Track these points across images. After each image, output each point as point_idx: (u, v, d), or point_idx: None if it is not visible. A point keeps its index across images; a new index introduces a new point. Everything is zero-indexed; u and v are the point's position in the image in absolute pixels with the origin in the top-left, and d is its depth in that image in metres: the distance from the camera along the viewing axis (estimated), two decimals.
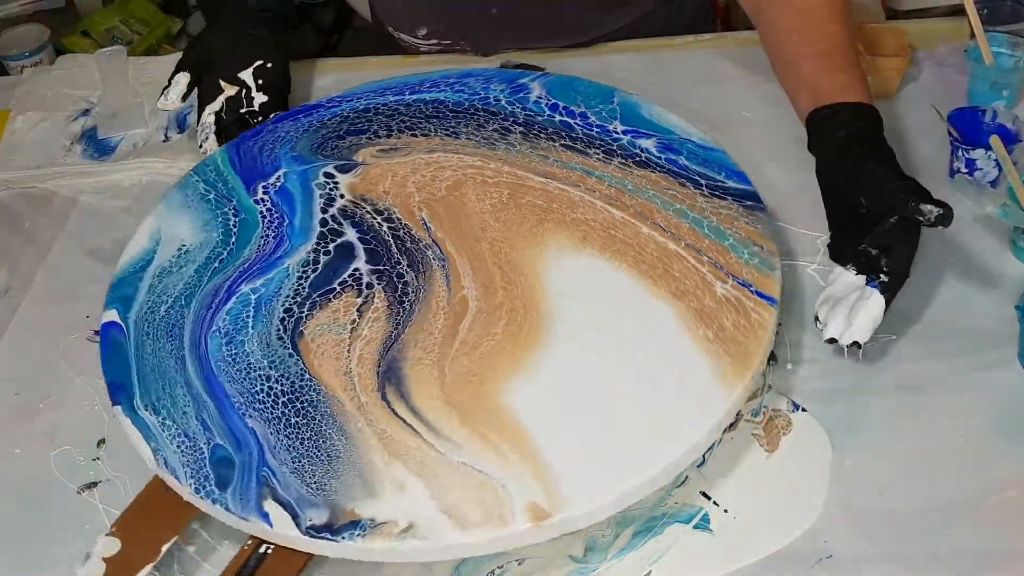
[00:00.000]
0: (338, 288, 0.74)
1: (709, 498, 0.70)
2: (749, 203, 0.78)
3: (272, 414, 0.66)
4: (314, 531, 0.60)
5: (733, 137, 0.89)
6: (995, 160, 0.87)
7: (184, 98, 0.91)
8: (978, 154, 0.88)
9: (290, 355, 0.70)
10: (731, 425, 0.74)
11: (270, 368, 0.69)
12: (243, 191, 0.83)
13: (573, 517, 0.60)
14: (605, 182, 0.80)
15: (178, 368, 0.70)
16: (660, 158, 0.83)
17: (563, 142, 0.85)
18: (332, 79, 0.98)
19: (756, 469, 0.71)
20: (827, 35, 0.82)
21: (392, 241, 0.77)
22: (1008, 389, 0.74)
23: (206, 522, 0.68)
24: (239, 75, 0.93)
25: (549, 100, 0.89)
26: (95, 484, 0.75)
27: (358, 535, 0.60)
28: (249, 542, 0.64)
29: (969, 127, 0.91)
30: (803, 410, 0.74)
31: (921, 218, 0.67)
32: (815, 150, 0.77)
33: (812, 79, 0.80)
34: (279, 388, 0.68)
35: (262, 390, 0.68)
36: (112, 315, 0.74)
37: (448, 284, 0.74)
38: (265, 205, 0.81)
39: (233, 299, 0.74)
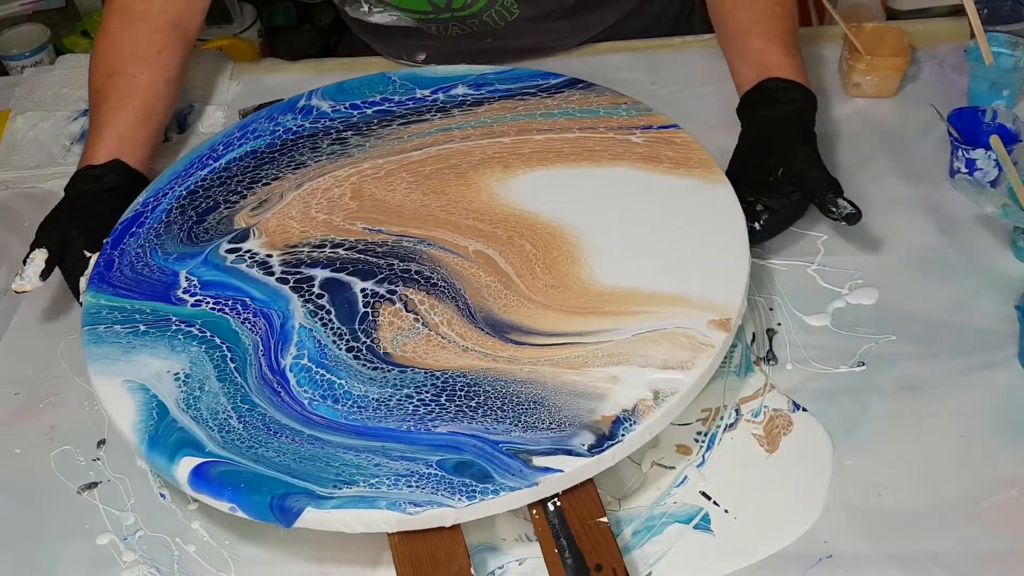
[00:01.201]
0: (369, 311, 0.74)
1: (709, 498, 0.70)
2: (580, 85, 0.92)
3: (449, 412, 0.66)
4: (597, 449, 0.62)
5: (733, 137, 0.89)
6: (995, 160, 0.87)
7: (43, 276, 0.83)
8: (978, 154, 0.88)
9: (401, 371, 0.69)
10: (731, 425, 0.74)
11: (397, 390, 0.68)
12: (169, 307, 0.77)
13: (740, 310, 0.70)
14: (467, 128, 0.89)
15: (322, 445, 0.65)
16: (483, 93, 0.93)
17: (398, 122, 0.91)
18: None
19: (756, 469, 0.71)
20: (776, 17, 0.90)
21: (363, 256, 0.79)
22: (1008, 389, 0.74)
23: None
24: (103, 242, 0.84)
25: (342, 105, 0.95)
26: (95, 484, 0.75)
27: (630, 425, 0.63)
28: (534, 513, 0.64)
29: (969, 127, 0.91)
30: (804, 410, 0.74)
31: (834, 210, 0.77)
32: (750, 113, 0.86)
33: (761, 56, 0.88)
34: (428, 396, 0.67)
35: (417, 406, 0.67)
36: (191, 462, 0.65)
37: (452, 252, 0.78)
38: (207, 304, 0.76)
39: (289, 374, 0.70)
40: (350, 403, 0.68)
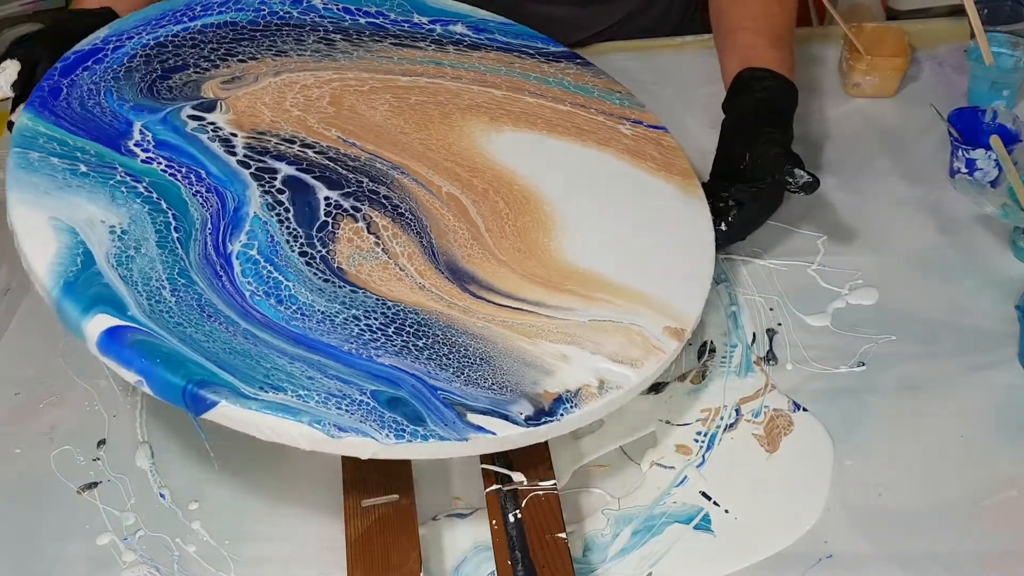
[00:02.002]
0: (329, 220, 0.71)
1: (709, 498, 0.70)
2: (579, 61, 0.91)
3: (394, 346, 0.63)
4: (533, 421, 0.61)
5: None
6: (995, 160, 0.87)
7: (15, 87, 0.81)
8: (978, 154, 0.88)
9: (353, 291, 0.66)
10: (731, 425, 0.74)
11: (347, 309, 0.65)
12: (117, 156, 0.72)
13: (694, 324, 0.70)
14: (460, 69, 0.87)
15: (254, 342, 0.62)
16: (482, 38, 0.91)
17: (390, 41, 0.88)
18: None
19: (757, 469, 0.71)
20: (769, 15, 0.90)
21: (332, 164, 0.75)
22: (1008, 389, 0.74)
23: None
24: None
25: (335, 6, 0.90)
26: (95, 484, 0.75)
27: (571, 407, 0.62)
28: (494, 523, 0.64)
29: (969, 127, 0.91)
30: (804, 410, 0.74)
31: (791, 180, 0.76)
32: (729, 105, 0.85)
33: (745, 49, 0.88)
34: (376, 323, 0.65)
35: (363, 331, 0.64)
36: (107, 320, 0.61)
37: (425, 188, 0.75)
38: (159, 164, 0.72)
39: (235, 261, 0.67)
40: (294, 308, 0.64)
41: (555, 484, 0.66)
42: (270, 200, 0.71)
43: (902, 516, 0.67)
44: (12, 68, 0.81)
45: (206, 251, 0.67)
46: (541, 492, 0.66)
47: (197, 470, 0.75)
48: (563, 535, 0.63)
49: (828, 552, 0.66)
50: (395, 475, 0.67)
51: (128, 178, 0.70)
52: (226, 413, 0.58)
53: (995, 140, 0.85)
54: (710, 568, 0.66)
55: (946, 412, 0.73)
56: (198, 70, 0.81)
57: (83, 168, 0.70)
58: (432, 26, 0.91)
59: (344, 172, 0.75)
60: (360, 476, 0.67)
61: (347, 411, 0.59)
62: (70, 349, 0.85)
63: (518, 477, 0.66)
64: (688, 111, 1.02)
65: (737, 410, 0.75)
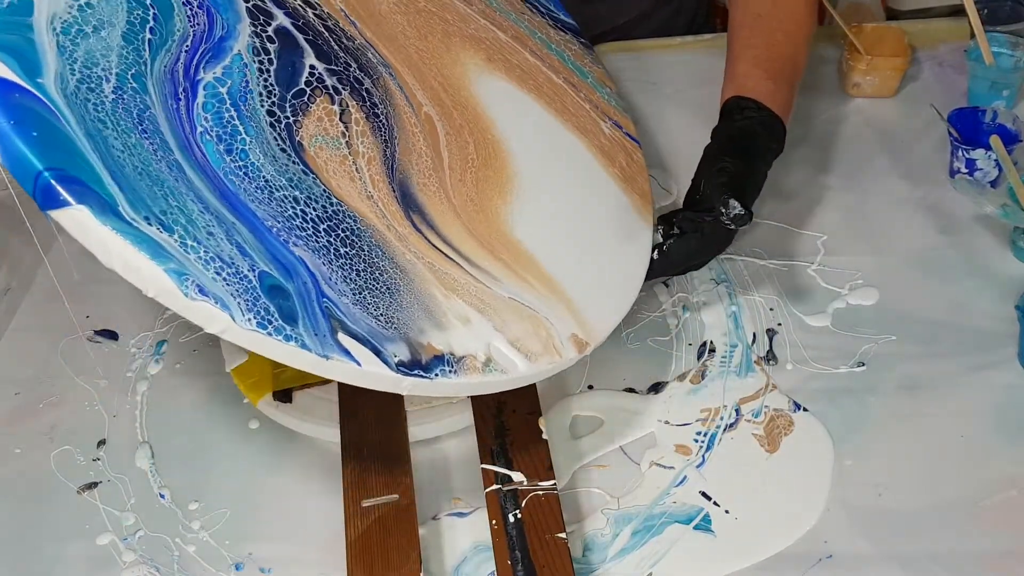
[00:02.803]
0: (308, 90, 0.66)
1: (709, 498, 0.69)
2: (582, 41, 0.87)
3: (317, 243, 0.59)
4: (405, 368, 0.56)
5: None
6: (995, 160, 0.87)
7: None
8: (978, 154, 0.88)
9: (304, 172, 0.62)
10: (731, 425, 0.74)
11: (291, 188, 0.60)
12: None
13: (598, 342, 0.67)
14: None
15: (177, 176, 0.56)
16: None
17: None
18: None
19: (757, 469, 0.71)
20: (772, 45, 0.85)
21: (327, 34, 0.70)
22: (1008, 389, 0.74)
23: None
24: None
25: None
26: (95, 484, 0.75)
27: (448, 371, 0.58)
28: (493, 523, 0.64)
29: (969, 127, 0.91)
30: (805, 410, 0.74)
31: (724, 210, 0.72)
32: (713, 132, 0.81)
33: (740, 78, 0.83)
34: (313, 214, 0.60)
35: (296, 215, 0.59)
36: (3, 71, 0.52)
37: (407, 99, 0.71)
38: None
39: (201, 90, 0.61)
40: (240, 164, 0.59)
41: (555, 484, 0.66)
42: (257, 44, 0.65)
43: (902, 516, 0.67)
44: None
45: (174, 67, 0.60)
46: (541, 492, 0.66)
47: (197, 470, 0.75)
48: (563, 535, 0.63)
49: (828, 552, 0.66)
50: (395, 475, 0.67)
51: None
52: (80, 222, 0.51)
53: (995, 140, 0.85)
54: (710, 568, 0.66)
55: (946, 412, 0.73)
56: None
57: None
58: None
59: (336, 47, 0.69)
60: (360, 476, 0.67)
61: (223, 279, 0.53)
62: (70, 349, 0.85)
63: (518, 477, 0.66)
64: (686, 111, 1.02)
65: (737, 410, 0.75)
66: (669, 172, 0.96)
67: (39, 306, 0.91)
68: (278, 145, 0.62)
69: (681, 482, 0.71)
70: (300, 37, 0.68)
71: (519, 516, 0.64)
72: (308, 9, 0.70)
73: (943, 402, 0.74)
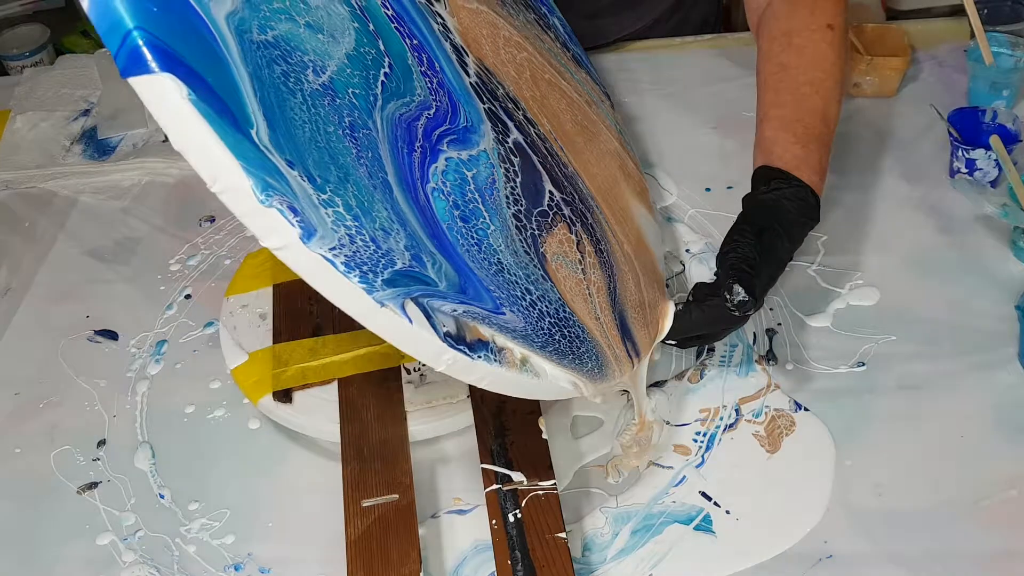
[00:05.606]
0: (550, 214, 0.65)
1: (710, 499, 0.69)
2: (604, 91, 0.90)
3: (537, 326, 0.58)
4: (449, 341, 0.53)
5: (733, 137, 0.89)
6: (995, 160, 0.87)
7: None
8: (978, 154, 0.88)
9: (543, 278, 0.61)
10: (731, 425, 0.74)
11: (527, 282, 0.60)
12: None
13: (597, 402, 0.67)
14: (575, 80, 0.84)
15: (378, 185, 0.53)
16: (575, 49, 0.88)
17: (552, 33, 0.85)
18: None
19: (757, 469, 0.71)
20: (799, 99, 0.79)
21: (550, 160, 0.69)
22: (1008, 389, 0.74)
23: None
24: None
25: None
26: (95, 484, 0.75)
27: (492, 359, 0.55)
28: (493, 523, 0.64)
29: (969, 127, 0.91)
30: (806, 409, 0.74)
31: (728, 295, 0.68)
32: (743, 202, 0.76)
33: (767, 143, 0.78)
34: (543, 308, 0.60)
35: (525, 301, 0.59)
36: None
37: (615, 237, 0.72)
38: (388, 10, 0.61)
39: (442, 159, 0.58)
40: (475, 239, 0.57)
41: (555, 484, 0.66)
42: (502, 152, 0.63)
43: (902, 516, 0.67)
44: None
45: (412, 123, 0.56)
46: (541, 492, 0.66)
47: (197, 470, 0.75)
48: (563, 535, 0.63)
49: (828, 552, 0.66)
50: (395, 475, 0.67)
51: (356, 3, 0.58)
52: (165, 96, 0.43)
53: (995, 140, 0.85)
54: (711, 568, 0.66)
55: (946, 412, 0.73)
56: None
57: None
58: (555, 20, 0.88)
59: (559, 174, 0.69)
60: (360, 476, 0.67)
61: (350, 242, 0.49)
62: (70, 349, 0.85)
63: (518, 477, 0.66)
64: (688, 112, 1.02)
65: (737, 410, 0.75)
66: (669, 173, 0.96)
67: (39, 306, 0.91)
68: (522, 246, 0.61)
69: (680, 482, 0.70)
70: (535, 159, 0.67)
71: (519, 516, 0.64)
72: (530, 127, 0.69)
73: (943, 402, 0.74)
